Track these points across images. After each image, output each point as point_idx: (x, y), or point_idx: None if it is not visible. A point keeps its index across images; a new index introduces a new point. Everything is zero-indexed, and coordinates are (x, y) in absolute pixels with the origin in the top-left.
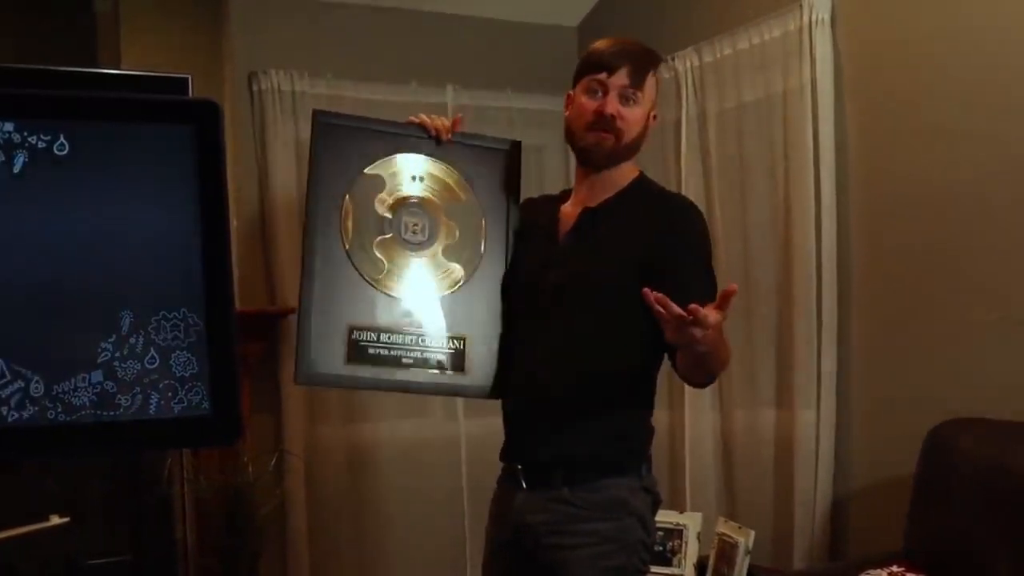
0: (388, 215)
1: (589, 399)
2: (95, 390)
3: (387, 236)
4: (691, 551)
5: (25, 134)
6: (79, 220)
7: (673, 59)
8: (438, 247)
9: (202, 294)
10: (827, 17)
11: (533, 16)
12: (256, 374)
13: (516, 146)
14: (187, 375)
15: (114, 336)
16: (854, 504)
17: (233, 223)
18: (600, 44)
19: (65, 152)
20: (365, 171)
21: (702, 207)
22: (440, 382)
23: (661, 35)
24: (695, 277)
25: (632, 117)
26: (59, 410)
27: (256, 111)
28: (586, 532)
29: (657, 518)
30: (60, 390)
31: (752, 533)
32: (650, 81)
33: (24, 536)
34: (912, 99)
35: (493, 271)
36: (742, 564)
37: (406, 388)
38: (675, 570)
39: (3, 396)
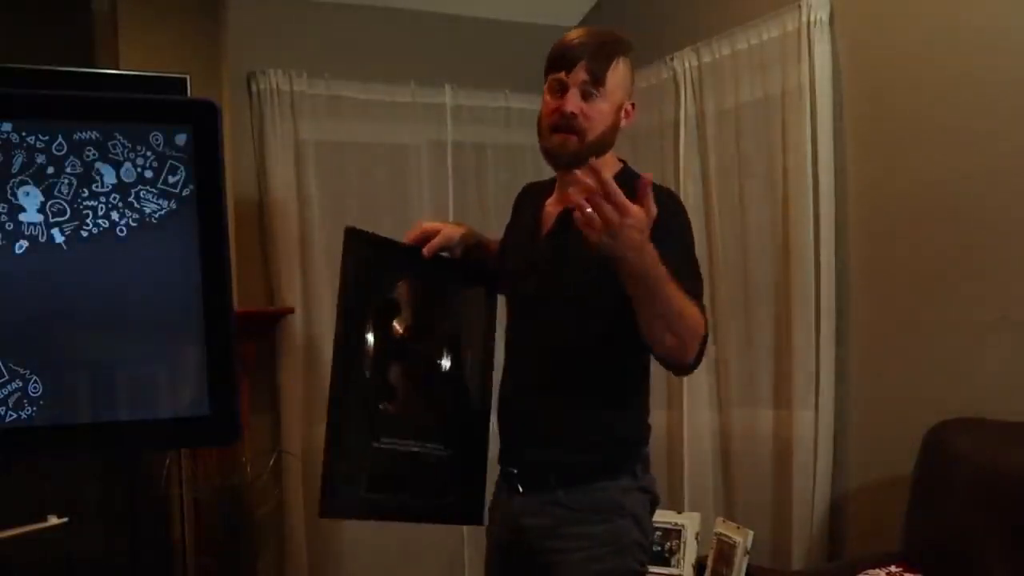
0: (402, 340)
1: (578, 401)
2: (93, 390)
3: (402, 361)
4: (689, 551)
5: (23, 134)
6: (77, 220)
7: (672, 59)
8: (446, 369)
9: (200, 294)
10: (825, 18)
11: (532, 16)
12: (254, 374)
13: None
14: (186, 375)
15: (113, 336)
16: (852, 504)
17: (231, 223)
18: (562, 39)
19: (63, 152)
20: (388, 296)
21: (700, 208)
22: (447, 512)
23: (660, 35)
24: (676, 267)
25: (595, 113)
26: (57, 410)
27: (255, 111)
28: (579, 535)
29: (655, 518)
30: (58, 390)
31: (750, 533)
32: (616, 70)
33: (22, 536)
34: (910, 99)
35: (486, 397)
36: (740, 564)
37: (421, 518)
38: (673, 570)
39: (1, 396)
